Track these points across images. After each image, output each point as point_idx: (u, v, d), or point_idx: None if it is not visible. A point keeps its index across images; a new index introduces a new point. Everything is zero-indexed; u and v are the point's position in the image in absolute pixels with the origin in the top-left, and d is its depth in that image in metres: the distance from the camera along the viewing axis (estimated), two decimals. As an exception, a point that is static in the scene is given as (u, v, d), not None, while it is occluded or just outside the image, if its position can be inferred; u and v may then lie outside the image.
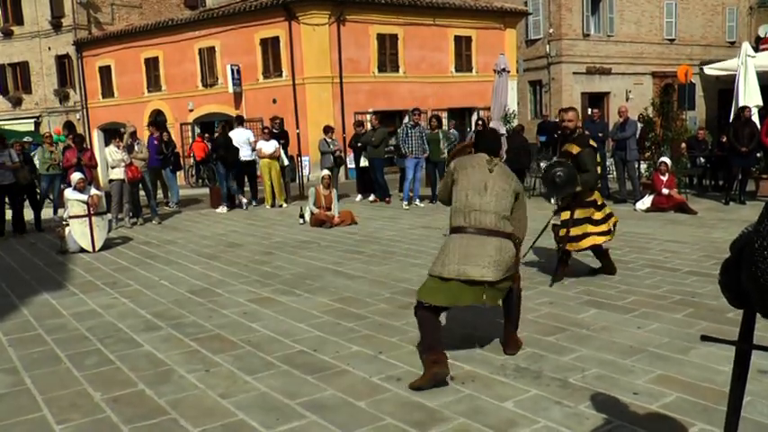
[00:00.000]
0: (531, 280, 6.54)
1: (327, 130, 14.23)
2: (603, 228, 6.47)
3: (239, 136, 13.97)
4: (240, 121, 14.83)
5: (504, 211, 4.27)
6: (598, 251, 6.63)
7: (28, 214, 11.64)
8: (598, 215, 6.45)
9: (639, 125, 13.20)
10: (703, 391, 3.74)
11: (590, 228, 6.42)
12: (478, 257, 4.05)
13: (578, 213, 6.36)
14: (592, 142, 6.47)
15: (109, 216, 10.29)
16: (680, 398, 3.67)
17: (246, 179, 14.24)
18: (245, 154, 13.74)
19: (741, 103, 13.25)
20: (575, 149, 6.30)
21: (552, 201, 12.77)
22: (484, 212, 4.18)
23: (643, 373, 4.03)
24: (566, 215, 6.46)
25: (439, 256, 4.21)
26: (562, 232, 6.45)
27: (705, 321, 5.00)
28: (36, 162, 12.70)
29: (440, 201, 4.49)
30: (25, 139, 15.43)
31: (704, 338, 2.36)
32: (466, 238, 4.14)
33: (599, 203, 6.51)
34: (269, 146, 13.44)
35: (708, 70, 17.31)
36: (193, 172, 22.54)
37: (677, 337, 4.66)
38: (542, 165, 14.83)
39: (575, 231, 6.40)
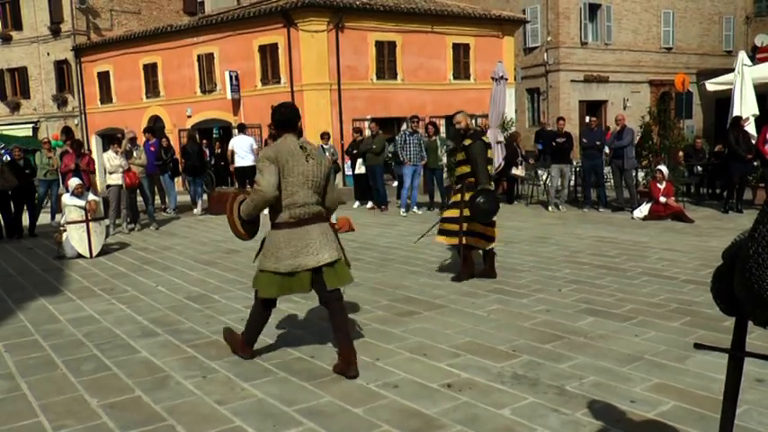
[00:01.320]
0: (529, 288, 6.55)
1: (323, 135, 14.28)
2: (490, 232, 6.90)
3: (242, 143, 14.41)
4: (242, 128, 15.19)
5: (320, 198, 4.43)
6: (486, 252, 7.05)
7: (25, 219, 11.63)
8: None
9: (639, 132, 13.24)
10: (700, 399, 3.75)
11: (479, 228, 6.84)
12: (311, 246, 4.28)
13: (467, 212, 6.71)
14: (486, 138, 7.01)
15: (106, 222, 10.28)
16: (677, 406, 3.67)
17: (248, 183, 14.56)
18: (246, 161, 14.20)
19: (737, 113, 13.29)
20: (467, 142, 6.85)
21: (550, 209, 12.81)
22: (308, 205, 4.32)
23: (640, 381, 4.04)
24: (455, 212, 6.87)
25: (271, 251, 4.33)
26: (453, 227, 6.87)
27: (702, 330, 5.01)
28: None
29: (263, 200, 4.29)
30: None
31: (697, 347, 2.37)
32: (293, 231, 4.29)
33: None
34: None
35: (710, 86, 17.38)
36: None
37: (674, 346, 4.67)
38: (539, 172, 14.90)
39: (453, 226, 6.88)
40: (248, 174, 14.32)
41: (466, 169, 6.84)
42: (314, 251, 4.28)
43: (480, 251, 7.04)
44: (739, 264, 1.87)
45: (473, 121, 19.68)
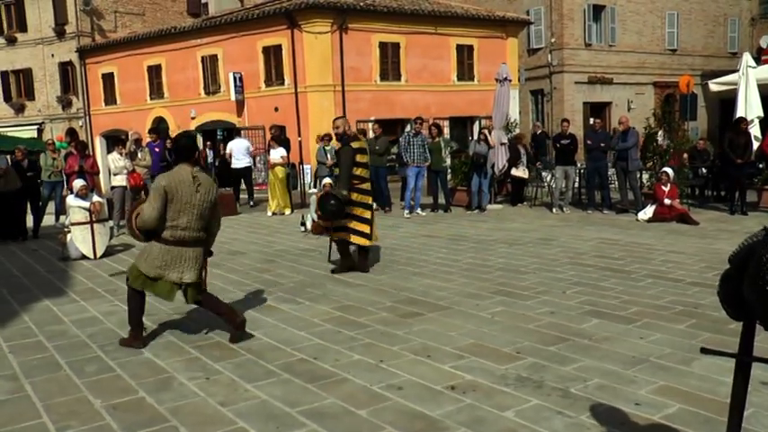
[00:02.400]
0: (533, 290, 6.54)
1: (324, 137, 14.30)
2: (366, 229, 7.53)
3: (239, 145, 15.63)
4: (238, 131, 16.98)
5: (204, 223, 5.02)
6: (361, 248, 7.65)
7: (28, 221, 11.65)
8: (367, 214, 7.58)
9: (643, 134, 13.19)
10: (706, 402, 3.73)
11: (353, 223, 7.46)
12: (179, 265, 4.91)
13: (347, 208, 7.41)
14: (360, 143, 7.66)
15: (110, 223, 10.29)
16: (682, 409, 3.65)
17: (243, 183, 16.19)
18: (242, 162, 15.56)
19: (741, 115, 13.25)
20: (338, 146, 7.64)
21: (554, 210, 12.78)
22: (189, 229, 4.90)
23: (645, 384, 4.02)
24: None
25: (145, 255, 4.95)
26: (327, 224, 7.68)
27: (707, 332, 4.98)
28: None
29: (146, 226, 4.91)
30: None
31: (704, 351, 2.36)
32: (169, 249, 4.88)
33: (369, 205, 7.70)
34: (276, 154, 13.62)
35: (713, 86, 17.33)
36: None
37: (679, 348, 4.65)
38: (543, 174, 14.89)
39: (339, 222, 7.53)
40: (243, 174, 16.03)
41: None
42: (180, 270, 4.92)
43: (353, 246, 7.66)
44: (751, 269, 1.85)
45: (482, 122, 19.68)
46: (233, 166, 15.51)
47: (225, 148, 22.68)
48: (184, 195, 4.80)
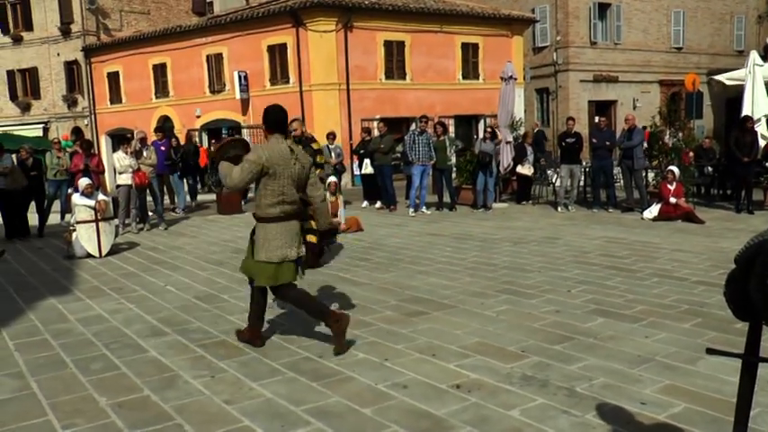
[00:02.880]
0: (538, 288, 6.53)
1: (329, 135, 14.31)
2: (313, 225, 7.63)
3: None
4: (239, 130, 17.48)
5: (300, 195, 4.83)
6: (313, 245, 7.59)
7: (32, 219, 11.68)
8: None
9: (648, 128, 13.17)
10: (712, 401, 3.71)
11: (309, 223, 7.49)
12: (294, 240, 4.75)
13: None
14: (316, 144, 7.78)
15: (116, 221, 10.31)
16: (688, 408, 3.64)
17: None
18: None
19: (747, 112, 13.19)
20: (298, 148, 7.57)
21: (559, 209, 12.76)
22: (294, 203, 4.75)
23: (651, 383, 4.00)
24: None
25: (262, 242, 4.68)
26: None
27: (713, 331, 4.96)
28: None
29: (229, 186, 4.77)
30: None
31: (710, 352, 2.34)
32: (284, 225, 4.68)
33: None
34: None
35: (721, 80, 17.26)
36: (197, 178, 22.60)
37: (685, 347, 4.63)
38: (549, 172, 14.86)
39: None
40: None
41: None
42: (296, 245, 4.76)
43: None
44: (757, 269, 1.84)
45: (487, 120, 19.71)
46: None
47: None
48: (286, 169, 4.62)
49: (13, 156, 12.20)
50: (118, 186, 11.33)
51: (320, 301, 4.89)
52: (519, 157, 14.17)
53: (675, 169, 11.49)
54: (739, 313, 2.10)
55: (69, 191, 12.17)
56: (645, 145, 13.13)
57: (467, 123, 23.70)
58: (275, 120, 4.75)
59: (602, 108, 27.95)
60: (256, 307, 4.96)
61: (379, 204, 14.03)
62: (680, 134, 13.47)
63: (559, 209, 12.82)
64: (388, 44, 22.08)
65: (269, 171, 4.56)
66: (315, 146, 7.80)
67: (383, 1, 21.92)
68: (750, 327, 2.14)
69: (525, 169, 14.36)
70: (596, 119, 15.34)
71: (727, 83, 17.27)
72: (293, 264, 4.77)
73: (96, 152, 12.90)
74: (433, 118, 16.33)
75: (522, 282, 6.82)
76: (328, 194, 11.01)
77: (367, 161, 14.20)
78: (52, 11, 28.68)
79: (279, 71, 21.94)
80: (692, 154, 13.66)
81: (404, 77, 22.59)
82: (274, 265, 4.66)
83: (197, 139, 22.63)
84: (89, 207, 9.31)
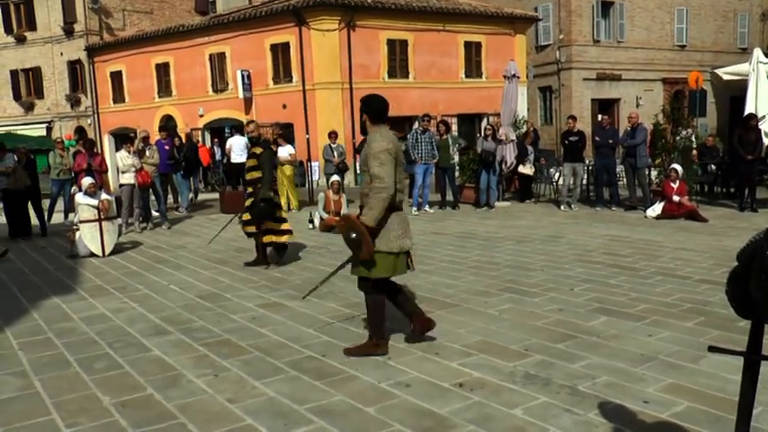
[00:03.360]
0: (541, 287, 6.52)
1: (331, 134, 14.30)
2: (285, 226, 7.99)
3: (239, 142, 16.59)
4: (239, 129, 18.06)
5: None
6: (278, 246, 8.00)
7: (33, 219, 11.70)
8: (284, 213, 8.23)
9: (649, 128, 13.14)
10: (714, 400, 3.71)
11: (271, 225, 7.85)
12: (408, 230, 4.66)
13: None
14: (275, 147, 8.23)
15: (119, 221, 10.33)
16: (691, 407, 3.64)
17: (240, 178, 17.53)
18: (242, 158, 16.46)
19: (751, 110, 13.16)
20: (258, 150, 7.82)
21: (562, 207, 12.75)
22: (403, 191, 4.72)
23: (654, 382, 4.00)
24: (247, 216, 7.90)
25: (382, 233, 4.45)
26: (248, 228, 7.96)
27: (716, 330, 4.96)
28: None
29: (389, 195, 4.38)
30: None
31: (712, 350, 2.34)
32: (400, 214, 4.59)
33: (282, 206, 8.47)
34: (284, 151, 13.62)
35: (723, 75, 17.23)
36: (200, 177, 22.64)
37: (688, 346, 4.62)
38: (551, 171, 14.85)
39: (251, 228, 7.94)
40: (241, 170, 17.01)
41: (257, 174, 7.73)
42: (409, 235, 4.64)
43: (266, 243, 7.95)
44: (755, 266, 1.85)
45: (488, 119, 19.64)
46: (232, 160, 16.81)
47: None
48: (399, 156, 4.56)
49: (15, 155, 12.21)
50: (121, 186, 11.35)
51: (382, 321, 4.66)
52: (520, 157, 14.16)
53: (678, 167, 11.47)
54: (741, 311, 2.10)
55: (73, 190, 12.20)
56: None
57: (470, 122, 23.67)
58: (379, 110, 4.61)
59: (606, 106, 27.89)
60: (401, 299, 4.80)
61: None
62: (688, 131, 13.43)
63: (562, 207, 12.81)
64: (390, 43, 22.07)
65: (396, 158, 4.46)
66: (257, 150, 7.88)
67: (386, 0, 21.91)
68: (752, 325, 2.14)
69: (526, 169, 14.35)
70: (599, 117, 15.32)
71: (725, 77, 17.22)
72: (406, 256, 4.60)
73: (99, 151, 12.88)
74: (436, 117, 16.34)
75: (525, 280, 6.82)
76: (331, 193, 11.07)
77: None
78: (55, 10, 28.73)
79: (282, 70, 21.95)
80: (695, 152, 13.63)
81: (407, 76, 22.58)
82: (393, 255, 4.49)
83: (198, 138, 22.70)
84: (92, 206, 9.33)
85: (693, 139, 13.56)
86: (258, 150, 7.82)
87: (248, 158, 7.97)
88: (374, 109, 4.58)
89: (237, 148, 16.59)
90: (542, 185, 15.25)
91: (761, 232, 1.97)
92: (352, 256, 4.68)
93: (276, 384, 4.17)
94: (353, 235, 4.45)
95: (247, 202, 7.93)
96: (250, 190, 7.92)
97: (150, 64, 25.51)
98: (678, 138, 12.82)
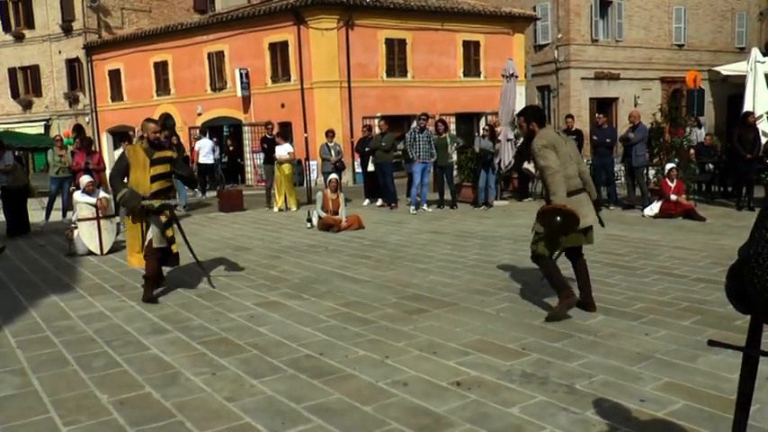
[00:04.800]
0: (539, 285, 6.53)
1: (328, 133, 14.30)
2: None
3: (206, 144, 18.92)
4: (205, 132, 20.39)
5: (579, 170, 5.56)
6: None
7: (37, 216, 11.69)
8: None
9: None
10: (711, 398, 3.72)
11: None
12: (582, 209, 5.35)
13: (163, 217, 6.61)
14: (170, 153, 7.31)
15: (117, 219, 10.32)
16: (687, 405, 3.65)
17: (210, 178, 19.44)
18: (208, 159, 19.03)
19: (749, 108, 13.18)
20: (169, 153, 6.90)
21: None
22: (575, 177, 5.45)
23: (650, 380, 4.01)
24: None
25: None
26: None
27: (713, 329, 4.97)
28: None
29: (559, 174, 5.20)
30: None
31: (711, 343, 2.35)
32: (570, 199, 5.26)
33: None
34: (283, 150, 13.63)
35: (723, 71, 17.26)
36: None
37: (685, 345, 4.64)
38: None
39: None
40: (209, 170, 19.35)
41: (168, 184, 6.75)
42: (584, 214, 5.29)
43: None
44: (745, 264, 1.86)
45: (486, 118, 19.61)
46: (199, 161, 18.60)
47: (231, 145, 22.94)
48: (562, 148, 5.32)
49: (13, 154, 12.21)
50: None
51: (560, 277, 5.46)
52: (526, 155, 14.15)
53: (674, 166, 11.48)
54: (740, 306, 2.10)
55: (71, 188, 12.19)
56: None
57: (468, 121, 23.68)
58: (541, 116, 5.62)
59: (604, 105, 27.92)
60: (551, 271, 5.47)
61: (380, 202, 14.04)
62: (693, 129, 13.44)
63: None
64: (389, 42, 22.08)
65: (557, 150, 5.24)
66: (170, 153, 6.84)
67: (384, -2, 21.94)
68: (751, 320, 2.14)
69: (531, 166, 14.32)
70: (597, 116, 15.35)
71: (724, 72, 17.23)
72: (578, 232, 5.37)
73: (97, 150, 12.87)
74: (434, 116, 16.34)
75: (523, 279, 6.83)
76: (329, 192, 11.08)
77: (371, 159, 14.22)
78: (54, 8, 28.70)
79: (280, 69, 21.95)
80: (692, 151, 13.65)
81: (405, 75, 22.59)
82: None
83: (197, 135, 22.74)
84: (91, 205, 9.33)
85: (695, 138, 13.57)
86: (170, 154, 6.80)
87: (160, 164, 6.59)
88: (537, 117, 5.58)
89: (204, 150, 18.75)
90: (533, 183, 15.25)
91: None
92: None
93: (274, 383, 4.17)
94: (558, 218, 5.18)
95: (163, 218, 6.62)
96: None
97: (149, 62, 25.50)
98: (684, 140, 12.84)
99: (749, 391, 2.20)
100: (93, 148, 12.71)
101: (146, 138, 6.61)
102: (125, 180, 6.50)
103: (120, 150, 11.40)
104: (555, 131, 5.60)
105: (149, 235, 6.54)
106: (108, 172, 15.59)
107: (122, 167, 6.53)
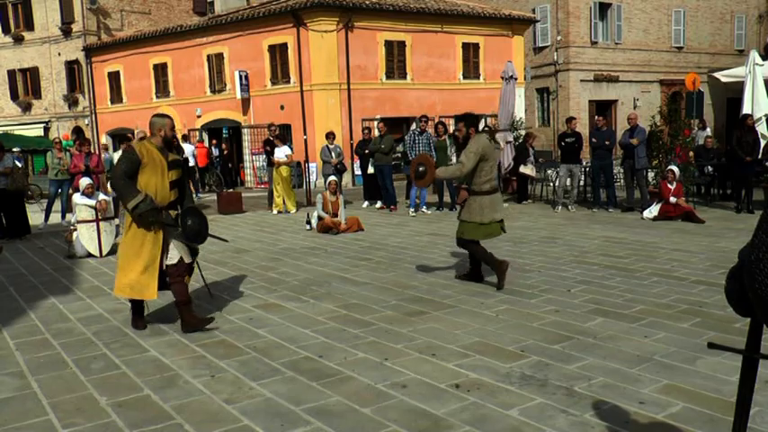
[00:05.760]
0: (538, 288, 6.54)
1: (328, 135, 14.31)
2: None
3: (188, 149, 18.10)
4: (185, 137, 20.09)
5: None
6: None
7: (36, 219, 11.69)
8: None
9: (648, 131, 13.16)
10: (710, 401, 3.72)
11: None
12: (499, 206, 6.66)
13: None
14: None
15: (116, 221, 10.32)
16: (686, 408, 3.65)
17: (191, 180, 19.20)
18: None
19: (747, 111, 13.18)
20: (178, 157, 6.69)
21: (558, 209, 12.76)
22: (495, 179, 6.63)
23: (649, 383, 4.01)
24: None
25: (477, 209, 6.47)
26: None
27: (712, 331, 4.97)
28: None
29: (461, 173, 6.41)
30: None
31: (711, 346, 2.35)
32: (491, 197, 6.52)
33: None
34: (281, 152, 13.62)
35: (722, 78, 17.29)
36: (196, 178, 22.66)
37: (684, 347, 4.64)
38: (549, 172, 14.88)
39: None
40: (189, 173, 20.65)
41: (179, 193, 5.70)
42: (500, 210, 6.61)
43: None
44: (746, 269, 1.86)
45: (485, 120, 19.62)
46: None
47: (227, 148, 22.98)
48: (491, 154, 6.39)
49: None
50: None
51: (491, 254, 6.54)
52: (522, 158, 14.17)
53: (676, 169, 11.49)
54: (739, 309, 2.10)
55: (70, 191, 12.19)
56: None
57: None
58: (477, 123, 6.60)
59: (603, 108, 27.96)
60: (483, 253, 6.53)
61: (379, 204, 14.04)
62: (697, 131, 13.45)
63: (558, 208, 12.82)
64: (388, 44, 22.09)
65: (485, 157, 6.34)
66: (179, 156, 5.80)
67: (384, 1, 21.93)
68: (751, 323, 2.14)
69: (528, 169, 14.35)
70: (596, 118, 15.36)
71: (724, 80, 17.25)
72: (498, 223, 6.59)
73: (95, 152, 12.84)
74: (434, 118, 16.34)
75: (522, 281, 6.83)
76: (329, 194, 11.08)
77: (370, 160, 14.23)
78: (53, 10, 28.71)
79: (279, 71, 21.95)
80: (692, 153, 13.65)
81: (404, 77, 22.60)
82: (484, 225, 6.47)
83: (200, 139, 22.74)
84: (90, 207, 9.33)
85: (697, 141, 13.58)
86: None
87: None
88: (474, 123, 6.68)
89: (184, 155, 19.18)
90: (540, 186, 15.27)
91: None
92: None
93: (273, 385, 4.17)
94: (422, 168, 6.53)
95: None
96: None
97: (148, 64, 25.50)
98: (689, 140, 12.84)
99: (748, 394, 2.19)
100: (91, 151, 12.70)
101: (161, 136, 5.45)
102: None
103: (120, 152, 11.37)
104: (486, 138, 6.48)
105: (173, 253, 5.39)
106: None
107: (131, 169, 5.19)
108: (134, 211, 5.10)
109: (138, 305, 5.60)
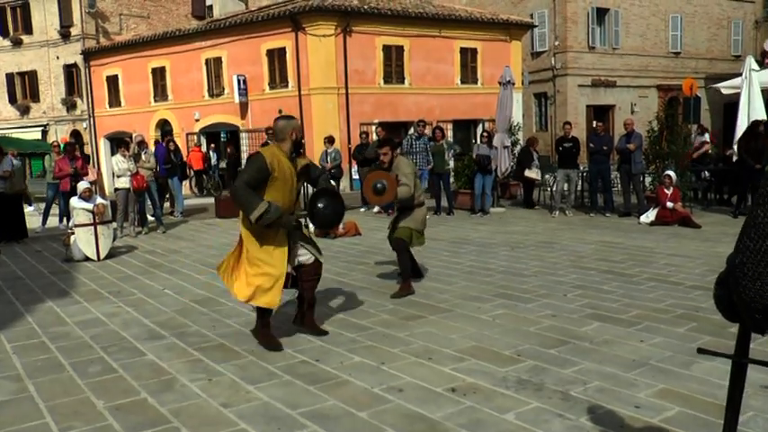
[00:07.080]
0: (534, 293, 6.56)
1: (326, 140, 14.33)
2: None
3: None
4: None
5: None
6: None
7: (34, 222, 11.68)
8: None
9: (646, 138, 13.18)
10: (705, 405, 3.74)
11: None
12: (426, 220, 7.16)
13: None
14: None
15: (114, 225, 10.34)
16: (681, 412, 3.66)
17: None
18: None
19: (743, 117, 13.19)
20: (307, 161, 7.24)
21: (554, 214, 12.78)
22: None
23: (645, 387, 4.03)
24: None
25: (420, 219, 6.85)
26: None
27: (708, 336, 4.99)
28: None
29: (409, 195, 6.65)
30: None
31: (701, 351, 2.38)
32: (424, 210, 6.99)
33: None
34: None
35: (723, 90, 17.35)
36: (194, 182, 22.65)
37: (680, 351, 4.66)
38: (546, 177, 14.91)
39: None
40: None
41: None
42: (423, 221, 7.00)
43: None
44: (731, 273, 1.89)
45: (483, 125, 19.56)
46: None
47: (228, 151, 22.91)
48: (416, 172, 6.99)
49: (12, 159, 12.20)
50: (116, 190, 11.35)
51: (412, 267, 6.98)
52: (527, 162, 14.16)
53: (673, 174, 11.52)
54: (728, 315, 2.13)
55: (54, 196, 12.18)
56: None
57: (465, 128, 23.74)
58: (399, 146, 6.94)
59: (601, 113, 28.03)
60: (407, 262, 6.76)
61: (376, 209, 14.04)
62: (697, 136, 13.47)
63: (556, 213, 12.84)
64: (386, 49, 22.13)
65: (418, 177, 7.14)
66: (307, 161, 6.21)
67: (382, 6, 21.98)
68: (739, 328, 2.17)
69: (533, 173, 14.32)
70: (594, 123, 15.39)
71: (725, 91, 17.29)
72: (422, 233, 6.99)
73: (79, 155, 12.61)
74: (432, 122, 16.37)
75: (519, 286, 6.85)
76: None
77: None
78: (52, 14, 28.74)
79: (278, 75, 21.98)
80: (696, 155, 13.65)
81: (402, 82, 22.64)
82: (417, 231, 6.83)
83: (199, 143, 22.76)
84: (88, 210, 9.34)
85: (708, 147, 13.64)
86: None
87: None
88: (391, 144, 6.93)
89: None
90: (537, 191, 15.28)
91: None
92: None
93: (270, 389, 4.18)
94: (383, 184, 6.48)
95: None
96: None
97: (146, 68, 25.52)
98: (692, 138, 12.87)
99: (738, 397, 2.22)
100: (76, 153, 12.54)
101: (292, 139, 4.97)
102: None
103: (118, 156, 11.33)
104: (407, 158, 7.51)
105: (303, 253, 5.16)
106: (105, 178, 15.53)
107: (257, 180, 4.73)
108: (258, 222, 4.65)
109: (264, 315, 5.08)
